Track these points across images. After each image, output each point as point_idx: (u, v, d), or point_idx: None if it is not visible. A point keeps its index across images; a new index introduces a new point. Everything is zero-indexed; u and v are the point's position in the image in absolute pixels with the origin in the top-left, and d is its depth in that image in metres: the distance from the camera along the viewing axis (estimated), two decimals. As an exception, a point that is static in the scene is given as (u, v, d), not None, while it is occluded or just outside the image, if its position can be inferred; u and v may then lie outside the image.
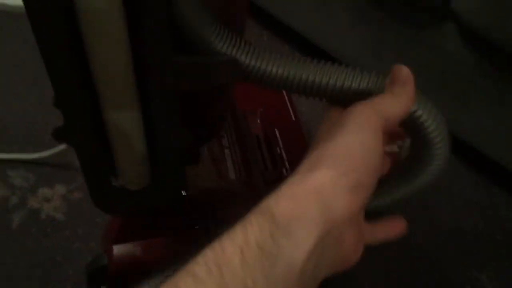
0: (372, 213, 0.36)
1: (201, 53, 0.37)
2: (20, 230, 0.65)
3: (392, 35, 0.75)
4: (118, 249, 0.55)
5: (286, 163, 0.68)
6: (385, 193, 0.39)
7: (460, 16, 0.62)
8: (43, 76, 0.33)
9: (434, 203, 0.75)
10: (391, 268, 0.68)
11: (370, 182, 0.30)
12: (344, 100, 0.36)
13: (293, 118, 0.75)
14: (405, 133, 0.36)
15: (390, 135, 0.36)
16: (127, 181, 0.45)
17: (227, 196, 0.59)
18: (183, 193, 0.56)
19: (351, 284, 0.67)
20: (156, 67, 0.35)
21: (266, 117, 0.73)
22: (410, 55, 0.74)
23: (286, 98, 0.78)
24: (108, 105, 0.37)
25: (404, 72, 0.33)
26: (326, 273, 0.30)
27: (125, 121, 0.39)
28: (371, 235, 0.35)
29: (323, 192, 0.28)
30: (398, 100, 0.32)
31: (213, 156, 0.61)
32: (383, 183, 0.36)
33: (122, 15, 0.32)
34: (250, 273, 0.26)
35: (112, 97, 0.37)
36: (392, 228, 0.38)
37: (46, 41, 0.33)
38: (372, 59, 0.81)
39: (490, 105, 0.71)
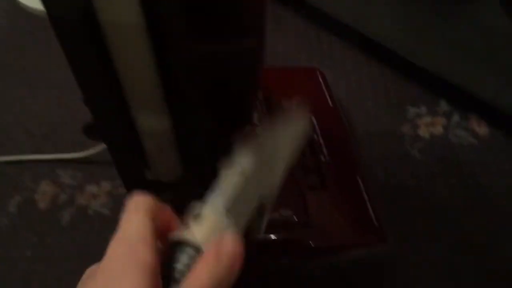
0: None
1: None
2: (70, 227, 0.68)
3: (427, 11, 0.72)
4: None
5: (324, 150, 0.67)
6: None
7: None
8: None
9: (484, 182, 0.72)
10: (438, 248, 0.66)
11: None
12: None
13: (331, 104, 0.74)
14: None
15: None
16: (160, 173, 0.46)
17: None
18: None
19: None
20: (176, 56, 0.35)
21: (302, 104, 0.73)
22: (448, 30, 0.72)
23: (323, 84, 0.77)
24: (134, 100, 0.38)
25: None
26: None
27: (152, 116, 0.40)
28: None
29: None
30: None
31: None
32: None
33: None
34: None
35: (138, 93, 0.38)
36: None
37: (69, 44, 0.34)
38: (408, 37, 0.78)
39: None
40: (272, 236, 0.58)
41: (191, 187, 0.48)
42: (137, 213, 0.29)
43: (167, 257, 0.28)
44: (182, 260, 0.27)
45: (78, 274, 0.31)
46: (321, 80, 0.77)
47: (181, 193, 0.48)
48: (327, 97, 0.75)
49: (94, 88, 0.38)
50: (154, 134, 0.42)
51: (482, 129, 0.78)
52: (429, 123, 0.80)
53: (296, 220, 0.59)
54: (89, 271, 0.31)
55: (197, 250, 0.28)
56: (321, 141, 0.68)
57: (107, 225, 0.69)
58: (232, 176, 0.33)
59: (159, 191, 0.47)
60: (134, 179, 0.46)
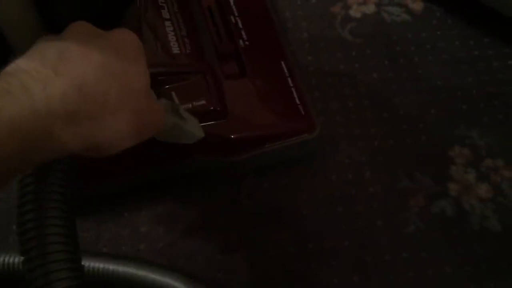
0: None
1: None
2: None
3: None
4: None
5: (243, 33, 0.60)
6: None
7: None
8: None
9: (418, 61, 0.68)
10: (372, 133, 0.62)
11: None
12: None
13: (250, -18, 0.66)
14: None
15: None
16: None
17: (172, 71, 0.52)
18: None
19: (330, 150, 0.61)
20: None
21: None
22: None
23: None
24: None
25: None
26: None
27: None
28: None
29: None
30: None
31: (152, 31, 0.53)
32: None
33: None
34: None
35: None
36: None
37: None
38: None
39: None
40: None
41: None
42: None
43: None
44: None
45: None
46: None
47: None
48: (246, -25, 0.66)
49: None
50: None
51: (416, 5, 0.72)
52: (361, 2, 0.73)
53: (212, 110, 0.52)
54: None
55: None
56: (240, 23, 0.60)
57: None
58: None
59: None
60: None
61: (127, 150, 0.45)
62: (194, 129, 0.45)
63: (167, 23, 0.54)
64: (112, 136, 0.30)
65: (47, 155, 0.27)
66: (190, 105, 0.52)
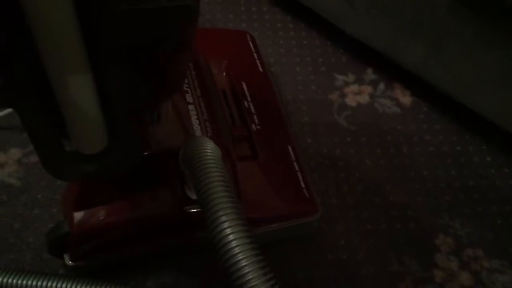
0: None
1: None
2: (-27, 199, 0.61)
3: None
4: (79, 216, 0.52)
5: (255, 117, 0.65)
6: None
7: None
8: None
9: (407, 151, 0.74)
10: (365, 217, 0.67)
11: None
12: None
13: (261, 69, 0.71)
14: None
15: None
16: (81, 144, 0.41)
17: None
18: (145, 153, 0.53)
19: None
20: (98, 17, 0.31)
21: (232, 70, 0.69)
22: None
23: (253, 48, 0.74)
24: (50, 61, 0.33)
25: None
26: None
27: (72, 78, 0.35)
28: None
29: None
30: None
31: (177, 113, 0.57)
32: None
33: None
34: None
35: (54, 53, 0.32)
36: None
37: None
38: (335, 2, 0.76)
39: (463, 49, 0.68)
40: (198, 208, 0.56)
41: (115, 158, 0.44)
42: None
43: None
44: None
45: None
46: (251, 44, 0.74)
47: (105, 165, 0.44)
48: (257, 62, 0.72)
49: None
50: (74, 96, 0.37)
51: (406, 99, 0.80)
52: (356, 92, 0.80)
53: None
54: None
55: None
56: (252, 108, 0.66)
57: (16, 196, 0.62)
58: None
59: (81, 163, 0.43)
60: (51, 150, 0.41)
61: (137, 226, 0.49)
62: None
63: (191, 107, 0.58)
64: None
65: None
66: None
